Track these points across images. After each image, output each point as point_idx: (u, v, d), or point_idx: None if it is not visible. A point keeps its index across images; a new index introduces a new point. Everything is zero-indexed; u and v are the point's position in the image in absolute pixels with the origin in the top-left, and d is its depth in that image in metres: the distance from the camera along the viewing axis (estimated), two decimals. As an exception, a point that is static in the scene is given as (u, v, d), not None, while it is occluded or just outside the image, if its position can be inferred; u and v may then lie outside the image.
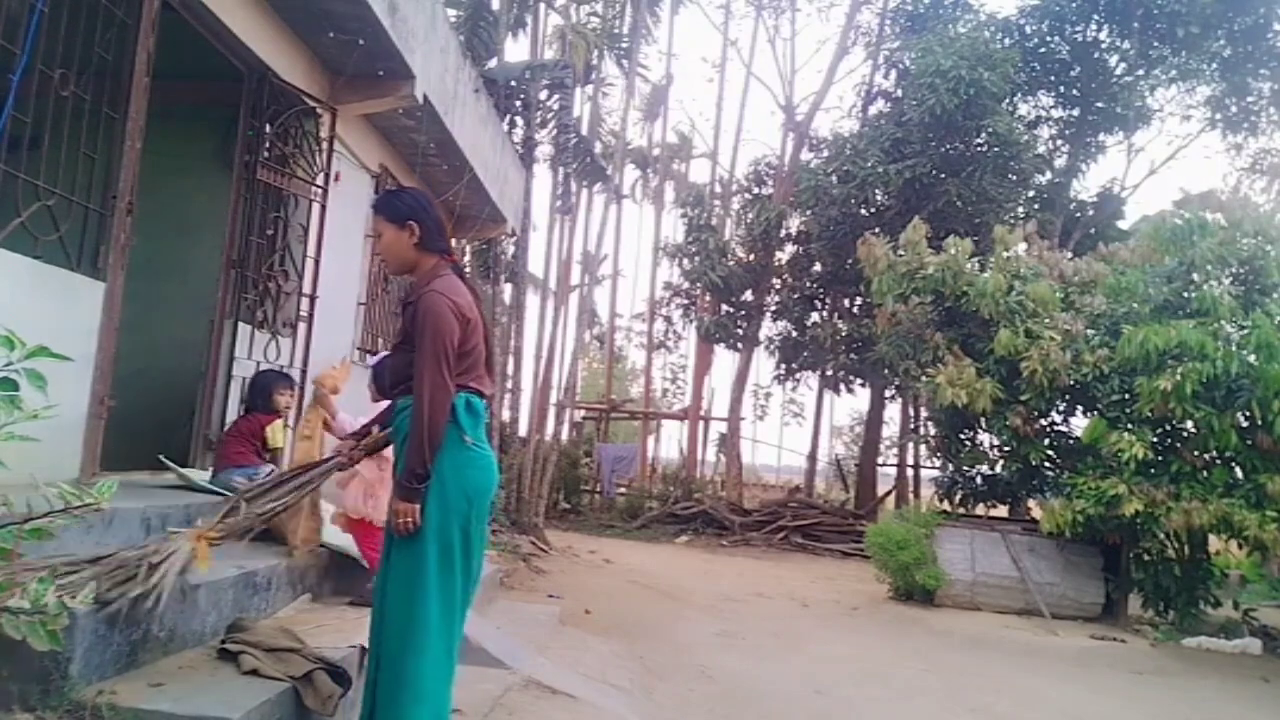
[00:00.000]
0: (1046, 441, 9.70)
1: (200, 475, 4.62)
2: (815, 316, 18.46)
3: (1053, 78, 16.77)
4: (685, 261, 18.99)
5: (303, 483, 3.20)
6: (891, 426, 20.23)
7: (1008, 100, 15.79)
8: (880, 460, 19.29)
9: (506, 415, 13.25)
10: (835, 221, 16.00)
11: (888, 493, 18.16)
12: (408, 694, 2.67)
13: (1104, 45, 16.50)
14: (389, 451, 4.36)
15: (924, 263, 10.32)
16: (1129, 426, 8.49)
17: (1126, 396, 8.77)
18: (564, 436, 17.19)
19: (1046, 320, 9.43)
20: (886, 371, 14.64)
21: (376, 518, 4.24)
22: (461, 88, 7.51)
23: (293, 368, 5.67)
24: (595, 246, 20.51)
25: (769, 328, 19.08)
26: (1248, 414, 8.04)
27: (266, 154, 5.46)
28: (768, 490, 21.92)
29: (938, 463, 11.92)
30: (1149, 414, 8.31)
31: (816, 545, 15.08)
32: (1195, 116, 18.04)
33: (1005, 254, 10.32)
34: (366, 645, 3.27)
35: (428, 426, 2.71)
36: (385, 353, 5.13)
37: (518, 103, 13.28)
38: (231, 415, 5.18)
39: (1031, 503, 10.44)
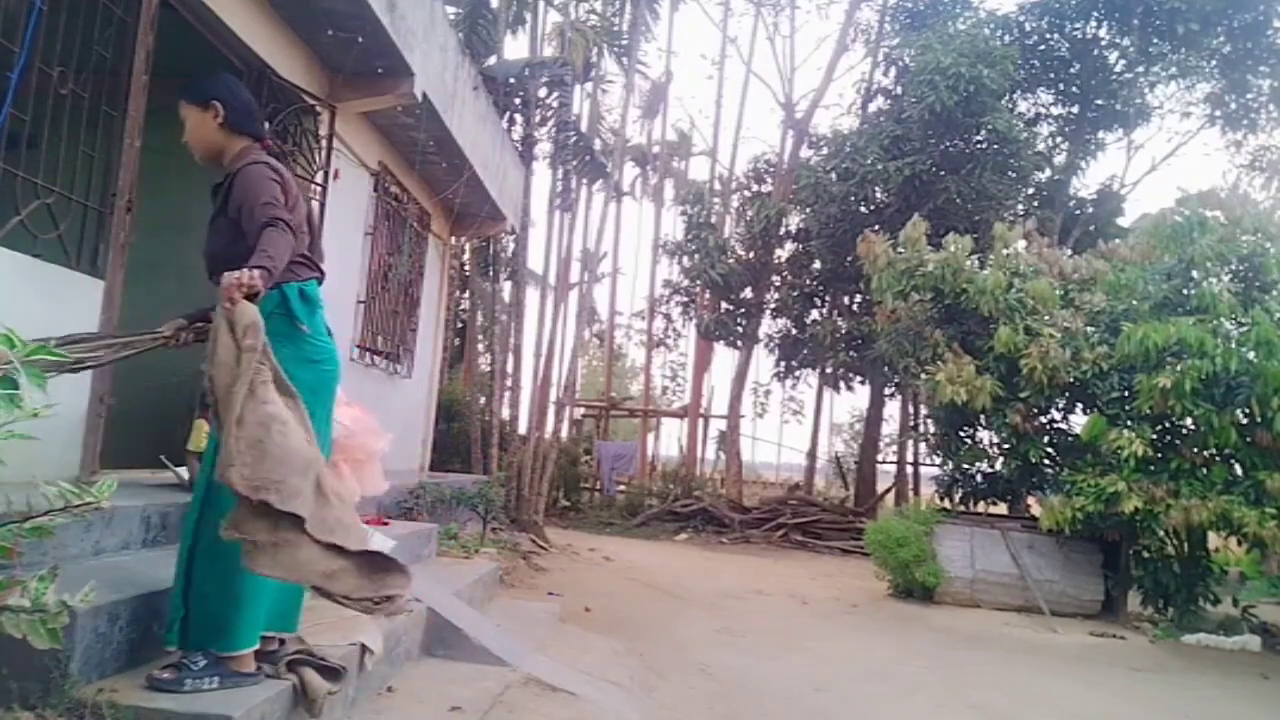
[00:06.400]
0: (1046, 439, 9.71)
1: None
2: (815, 314, 18.44)
3: (1052, 75, 16.74)
4: (685, 259, 18.97)
5: (119, 345, 2.94)
6: (891, 424, 20.22)
7: (1007, 97, 15.77)
8: (880, 458, 19.26)
9: (506, 413, 13.24)
10: (835, 219, 15.99)
11: (887, 490, 18.16)
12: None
13: (1103, 42, 16.47)
14: (375, 443, 4.35)
15: (923, 260, 10.33)
16: (1128, 424, 8.50)
17: (1126, 394, 8.78)
18: (564, 434, 17.19)
19: (1046, 317, 9.44)
20: (886, 369, 14.66)
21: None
22: (460, 85, 7.51)
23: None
24: (595, 244, 20.42)
25: (769, 325, 19.09)
26: (1247, 411, 8.05)
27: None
28: (767, 488, 21.91)
29: (937, 460, 11.92)
30: (1148, 411, 8.32)
31: (816, 543, 15.07)
32: (1195, 113, 18.01)
33: (1005, 251, 10.33)
34: (366, 643, 3.28)
35: (275, 262, 2.54)
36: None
37: (517, 100, 13.29)
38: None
39: (1031, 500, 10.45)
